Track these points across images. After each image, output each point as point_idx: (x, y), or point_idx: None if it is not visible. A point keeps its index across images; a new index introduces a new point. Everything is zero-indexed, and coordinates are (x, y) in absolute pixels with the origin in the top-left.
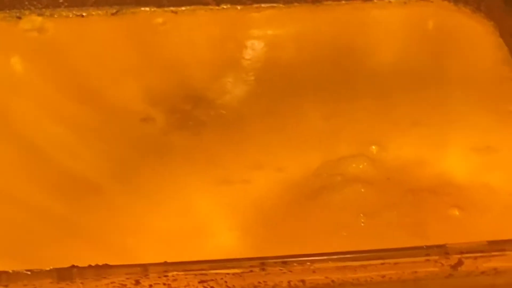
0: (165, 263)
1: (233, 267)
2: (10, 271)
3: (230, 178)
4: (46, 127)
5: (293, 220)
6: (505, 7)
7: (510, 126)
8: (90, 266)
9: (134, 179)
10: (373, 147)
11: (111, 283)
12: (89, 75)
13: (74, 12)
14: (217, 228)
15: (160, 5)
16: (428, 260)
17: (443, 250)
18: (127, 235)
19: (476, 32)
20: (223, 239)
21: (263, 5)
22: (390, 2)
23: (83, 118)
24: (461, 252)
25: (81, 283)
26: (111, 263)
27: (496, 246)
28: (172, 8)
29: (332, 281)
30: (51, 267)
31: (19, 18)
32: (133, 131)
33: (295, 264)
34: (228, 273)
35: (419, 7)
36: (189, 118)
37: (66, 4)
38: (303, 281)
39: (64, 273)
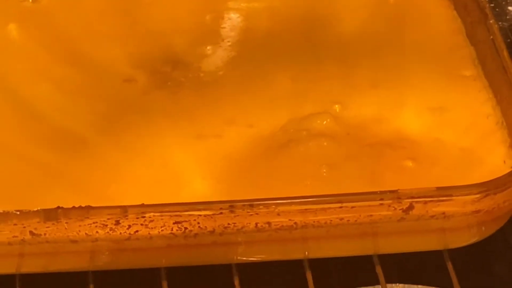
0: (143, 205)
1: (205, 209)
2: (1, 211)
3: (204, 133)
4: (37, 86)
5: (261, 171)
6: None
7: (461, 89)
8: (74, 207)
9: (116, 133)
10: (336, 106)
11: (94, 223)
12: (78, 40)
13: None
14: (191, 177)
15: None
16: (382, 204)
17: (395, 195)
18: (109, 182)
19: (433, 5)
20: (197, 187)
21: None
22: None
23: (71, 78)
24: (412, 197)
25: (66, 222)
26: None
27: (444, 191)
28: None
29: (295, 223)
30: (39, 208)
31: None
32: (116, 90)
33: (261, 207)
34: (200, 215)
35: None
36: (168, 79)
37: None
38: (269, 223)
39: (50, 214)
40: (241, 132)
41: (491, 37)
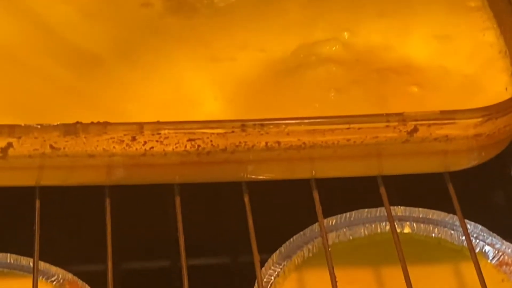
0: (158, 122)
1: (218, 128)
2: (23, 125)
3: (218, 56)
4: (58, 8)
5: (272, 93)
6: None
7: (466, 19)
8: (92, 122)
9: (133, 55)
10: (345, 33)
11: (111, 138)
12: None
13: None
14: (205, 97)
15: None
16: (387, 126)
17: (401, 117)
18: (126, 101)
19: None
20: (210, 107)
21: None
22: None
23: (90, 2)
24: (417, 120)
25: (84, 137)
26: None
27: (447, 115)
28: None
29: (304, 143)
30: (59, 123)
31: None
32: (134, 14)
33: (271, 126)
34: (213, 133)
35: None
36: (184, 4)
37: None
38: (278, 142)
39: (70, 128)
40: (253, 56)
41: None
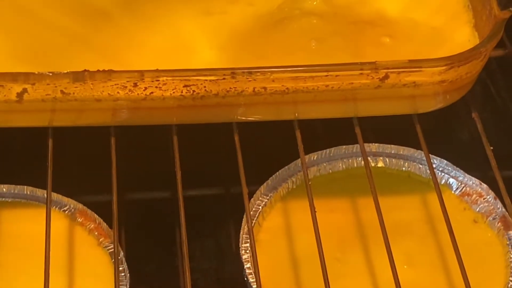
0: (157, 70)
1: (210, 75)
2: (36, 72)
3: (211, 10)
4: None
5: (259, 43)
6: None
7: None
8: (98, 70)
9: (135, 8)
10: None
11: (115, 84)
12: None
13: None
14: (200, 47)
15: None
16: (362, 73)
17: (373, 66)
18: (128, 50)
19: None
20: (204, 55)
21: None
22: None
23: None
24: (388, 68)
25: (91, 83)
26: None
27: (415, 63)
28: None
29: (287, 88)
30: (68, 71)
31: None
32: None
33: (258, 74)
34: (206, 80)
35: None
36: None
37: None
38: (264, 88)
39: (78, 75)
40: (243, 9)
41: None
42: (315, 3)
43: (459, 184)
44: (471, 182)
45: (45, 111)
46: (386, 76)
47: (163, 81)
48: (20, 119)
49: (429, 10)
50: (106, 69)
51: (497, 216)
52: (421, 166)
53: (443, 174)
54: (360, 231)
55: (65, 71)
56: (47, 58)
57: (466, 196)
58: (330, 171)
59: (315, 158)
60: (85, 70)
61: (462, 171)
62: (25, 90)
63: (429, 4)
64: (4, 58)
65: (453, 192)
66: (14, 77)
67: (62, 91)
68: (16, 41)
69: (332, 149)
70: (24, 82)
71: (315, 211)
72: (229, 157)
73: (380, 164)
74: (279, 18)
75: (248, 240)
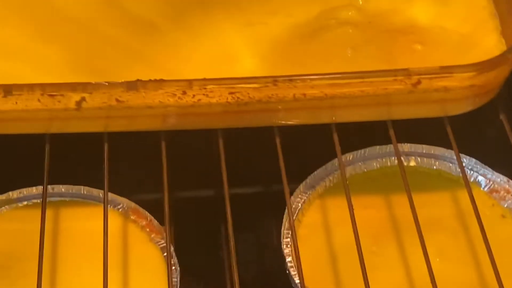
0: (205, 79)
1: (254, 83)
2: (94, 82)
3: (253, 21)
4: None
5: (298, 52)
6: None
7: None
8: (150, 80)
9: (182, 21)
10: None
11: (165, 92)
12: None
13: None
14: (242, 56)
15: None
16: (395, 79)
17: (406, 72)
18: (176, 60)
19: None
20: (246, 64)
21: None
22: None
23: None
24: (420, 74)
25: (144, 92)
26: None
27: (446, 70)
28: None
29: (325, 94)
30: (123, 81)
31: None
32: None
33: (298, 81)
34: (250, 87)
35: None
36: None
37: None
38: (304, 94)
39: (132, 85)
40: (282, 20)
41: None
42: (350, 13)
43: (488, 181)
44: (499, 179)
45: (101, 117)
46: (419, 82)
47: (210, 89)
48: (78, 125)
49: (458, 18)
50: (156, 78)
51: None
52: (451, 164)
53: (472, 172)
54: (394, 226)
55: (120, 81)
56: (100, 68)
57: (495, 193)
58: (365, 170)
59: (351, 158)
60: (137, 80)
61: (490, 168)
62: (83, 99)
63: (458, 12)
64: (62, 68)
65: (482, 189)
66: (73, 87)
67: (117, 99)
68: (72, 53)
69: (367, 149)
70: (82, 91)
71: (353, 208)
72: (270, 158)
73: (412, 163)
74: (316, 28)
75: (289, 235)
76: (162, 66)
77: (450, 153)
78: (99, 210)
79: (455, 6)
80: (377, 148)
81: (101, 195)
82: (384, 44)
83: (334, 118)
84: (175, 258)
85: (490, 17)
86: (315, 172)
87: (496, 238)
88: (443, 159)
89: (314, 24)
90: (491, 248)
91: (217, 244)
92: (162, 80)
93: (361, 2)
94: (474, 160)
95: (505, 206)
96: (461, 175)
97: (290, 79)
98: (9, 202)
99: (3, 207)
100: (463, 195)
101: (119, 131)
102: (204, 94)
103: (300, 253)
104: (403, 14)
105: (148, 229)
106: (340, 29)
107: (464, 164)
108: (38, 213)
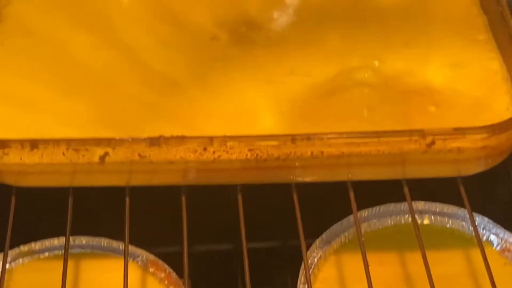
0: (225, 136)
1: (273, 140)
2: (117, 138)
3: (271, 79)
4: (143, 40)
5: (316, 111)
6: None
7: (475, 50)
8: (172, 136)
9: (203, 78)
10: (375, 61)
11: (187, 148)
12: (175, 4)
13: None
14: (261, 114)
15: None
16: (410, 139)
17: (421, 133)
18: (197, 116)
19: None
20: (266, 122)
21: None
22: None
23: (170, 35)
24: (434, 135)
25: (166, 147)
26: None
27: (460, 131)
28: None
29: (342, 152)
30: (146, 136)
31: None
32: (204, 45)
33: (316, 139)
34: (269, 145)
35: None
36: (245, 37)
37: None
38: (322, 152)
39: (154, 140)
40: (301, 80)
41: (500, 9)
42: (366, 74)
43: (500, 240)
44: (511, 238)
45: (123, 172)
46: (433, 142)
47: (230, 145)
48: (100, 179)
49: (472, 81)
50: (178, 134)
51: None
52: (464, 223)
53: (484, 231)
54: (408, 283)
55: (143, 137)
56: (124, 123)
57: (507, 252)
58: (380, 227)
59: (366, 215)
60: (160, 136)
61: (502, 228)
62: (106, 154)
63: (471, 76)
64: (86, 123)
65: (494, 248)
66: (97, 142)
67: (139, 154)
68: (97, 108)
69: (382, 206)
70: (106, 146)
71: (368, 264)
72: (287, 214)
73: (426, 221)
74: (333, 87)
75: None
76: (183, 122)
77: (463, 212)
78: (119, 262)
79: (469, 70)
80: (392, 205)
81: (121, 247)
82: (399, 104)
83: (350, 176)
84: None
85: (503, 81)
86: (331, 228)
87: None
88: (456, 218)
89: (331, 84)
90: None
91: None
92: (184, 137)
93: (377, 64)
94: (486, 219)
95: None
96: (473, 234)
97: (308, 137)
98: (31, 253)
99: (25, 258)
100: (476, 254)
101: (140, 185)
102: (224, 151)
103: None
104: (418, 76)
105: (166, 282)
106: (356, 89)
107: (476, 223)
108: (59, 264)
